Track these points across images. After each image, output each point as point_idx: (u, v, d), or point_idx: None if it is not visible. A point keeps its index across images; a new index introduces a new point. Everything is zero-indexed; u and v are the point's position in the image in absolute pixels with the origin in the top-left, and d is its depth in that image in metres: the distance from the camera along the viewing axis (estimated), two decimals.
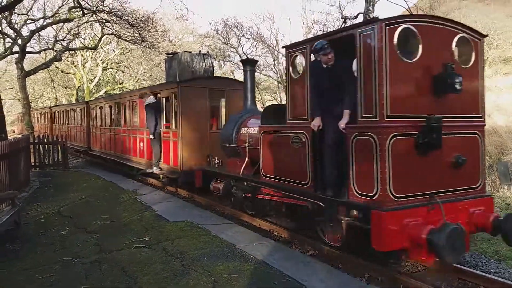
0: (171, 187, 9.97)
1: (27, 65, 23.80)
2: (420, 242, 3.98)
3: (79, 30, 21.44)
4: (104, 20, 18.23)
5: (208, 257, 4.86)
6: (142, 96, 10.30)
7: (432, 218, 4.23)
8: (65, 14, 18.32)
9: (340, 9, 22.63)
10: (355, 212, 4.50)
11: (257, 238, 5.77)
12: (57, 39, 21.12)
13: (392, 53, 4.21)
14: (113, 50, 30.36)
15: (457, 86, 4.34)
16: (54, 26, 19.96)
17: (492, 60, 26.20)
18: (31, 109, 19.68)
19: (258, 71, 26.48)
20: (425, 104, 4.42)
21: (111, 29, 19.64)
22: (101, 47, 27.08)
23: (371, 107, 4.29)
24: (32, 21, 19.94)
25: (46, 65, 20.00)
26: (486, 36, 5.10)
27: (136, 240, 5.70)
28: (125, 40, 20.83)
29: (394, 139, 4.21)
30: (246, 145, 7.02)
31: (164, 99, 10.05)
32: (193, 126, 9.21)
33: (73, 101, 28.84)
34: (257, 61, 9.17)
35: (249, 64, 8.07)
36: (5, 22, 17.91)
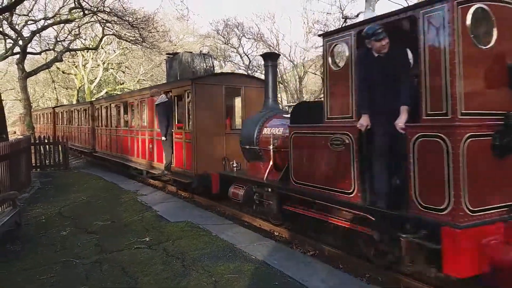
0: (185, 193, 9.34)
1: (28, 66, 23.85)
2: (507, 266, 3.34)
3: (80, 31, 21.52)
4: (104, 21, 18.28)
5: (208, 258, 4.85)
6: (153, 95, 9.76)
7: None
8: (66, 14, 18.35)
9: (340, 8, 22.50)
10: (418, 229, 3.84)
11: (258, 238, 5.76)
12: (58, 39, 21.19)
13: (465, 38, 3.58)
14: (114, 50, 30.40)
15: None
16: (55, 26, 20.03)
17: None
18: (32, 110, 19.71)
19: (258, 71, 26.48)
20: (501, 98, 3.80)
21: (112, 29, 19.68)
22: (102, 48, 27.11)
23: (440, 102, 3.64)
24: (33, 22, 20.02)
25: (47, 65, 20.07)
26: None
27: (136, 241, 5.69)
28: (126, 41, 20.86)
29: (469, 140, 3.54)
30: (271, 147, 6.32)
31: (176, 97, 9.46)
32: (209, 127, 8.58)
33: (74, 102, 28.87)
34: (279, 54, 8.16)
35: (271, 58, 7.31)
36: (6, 23, 17.97)
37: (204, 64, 10.33)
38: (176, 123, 9.47)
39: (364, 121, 4.33)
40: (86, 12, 16.66)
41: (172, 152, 9.47)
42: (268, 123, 6.81)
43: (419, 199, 3.81)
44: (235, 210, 7.57)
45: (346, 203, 4.63)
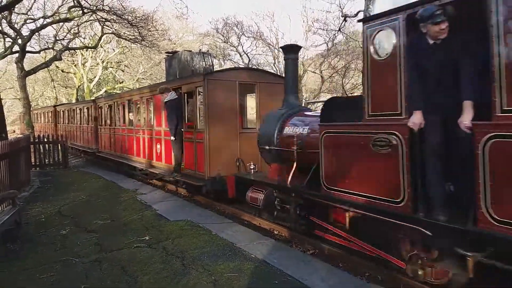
0: (199, 198, 8.78)
1: (27, 65, 23.82)
2: None
3: (79, 29, 21.51)
4: (104, 19, 18.26)
5: (208, 256, 4.86)
6: (162, 92, 9.19)
7: None
8: (65, 13, 18.35)
9: (340, 7, 22.56)
10: (482, 246, 3.32)
11: (257, 237, 5.76)
12: (57, 38, 21.17)
13: None
14: (113, 49, 30.42)
15: None
16: (54, 25, 19.98)
17: None
18: (33, 109, 19.71)
19: None
20: None
21: (111, 28, 19.66)
22: (101, 46, 27.13)
23: None
24: (32, 20, 20.01)
25: (46, 64, 20.05)
26: None
27: (136, 240, 5.70)
28: (125, 39, 20.84)
29: None
30: (294, 148, 5.73)
31: (186, 94, 8.90)
32: (221, 125, 8.03)
33: (73, 101, 28.83)
34: (301, 47, 7.23)
35: (292, 51, 6.61)
36: (5, 21, 17.95)
37: (204, 62, 10.27)
38: (186, 122, 8.97)
39: (417, 119, 3.75)
40: (85, 10, 16.66)
41: (182, 153, 9.01)
42: (290, 121, 6.29)
43: (491, 211, 3.22)
44: (234, 209, 7.56)
45: (393, 214, 4.03)
